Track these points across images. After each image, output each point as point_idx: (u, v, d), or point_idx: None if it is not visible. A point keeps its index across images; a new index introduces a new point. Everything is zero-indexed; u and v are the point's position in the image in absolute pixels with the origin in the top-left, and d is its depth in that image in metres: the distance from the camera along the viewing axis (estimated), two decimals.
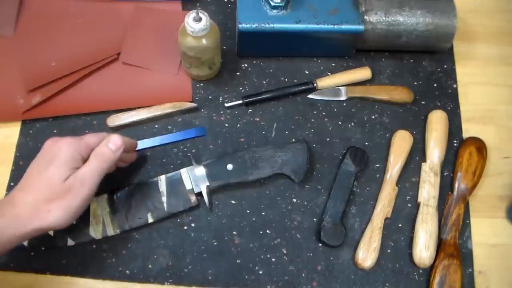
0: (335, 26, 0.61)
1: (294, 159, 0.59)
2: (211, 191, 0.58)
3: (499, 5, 0.73)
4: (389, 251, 0.58)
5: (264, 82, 0.66)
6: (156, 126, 0.62)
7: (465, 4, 0.71)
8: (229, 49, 0.67)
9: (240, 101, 0.63)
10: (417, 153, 0.63)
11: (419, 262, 0.57)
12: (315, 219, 0.59)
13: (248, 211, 0.59)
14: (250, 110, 0.64)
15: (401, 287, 0.57)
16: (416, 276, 0.57)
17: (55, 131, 0.61)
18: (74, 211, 0.47)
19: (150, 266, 0.56)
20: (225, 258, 0.57)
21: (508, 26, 0.72)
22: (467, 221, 0.60)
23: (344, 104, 0.65)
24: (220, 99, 0.64)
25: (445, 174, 0.62)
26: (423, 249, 0.56)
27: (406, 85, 0.66)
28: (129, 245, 0.56)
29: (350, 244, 0.58)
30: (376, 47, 0.66)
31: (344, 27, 0.61)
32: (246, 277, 0.56)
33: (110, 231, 0.55)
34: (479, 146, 0.62)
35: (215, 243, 0.57)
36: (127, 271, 0.55)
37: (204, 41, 0.56)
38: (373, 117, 0.65)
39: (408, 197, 0.61)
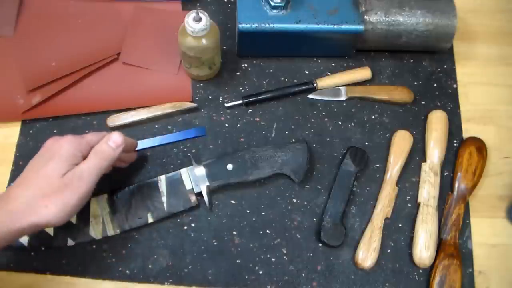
0: (335, 26, 0.61)
1: (294, 159, 0.59)
2: (211, 191, 0.58)
3: (499, 5, 0.73)
4: (389, 251, 0.58)
5: (264, 82, 0.66)
6: (156, 126, 0.62)
7: (465, 4, 0.71)
8: (229, 49, 0.67)
9: (240, 101, 0.63)
10: (417, 153, 0.63)
11: (419, 262, 0.57)
12: (315, 219, 0.59)
13: (248, 211, 0.59)
14: (250, 110, 0.64)
15: (401, 287, 0.57)
16: (416, 276, 0.57)
17: (55, 131, 0.61)
18: (71, 208, 0.46)
19: (150, 266, 0.56)
20: (225, 258, 0.57)
21: (508, 26, 0.72)
22: (467, 221, 0.60)
23: (344, 104, 0.65)
24: (220, 99, 0.64)
25: (445, 174, 0.62)
26: (423, 249, 0.56)
27: (406, 85, 0.66)
28: (129, 245, 0.56)
29: (350, 244, 0.58)
30: (376, 47, 0.66)
31: (344, 27, 0.61)
32: (246, 277, 0.56)
33: (110, 231, 0.55)
34: (479, 146, 0.62)
35: (215, 243, 0.57)
36: (127, 271, 0.55)
37: (204, 41, 0.56)
38: (373, 117, 0.65)
39: (408, 197, 0.61)
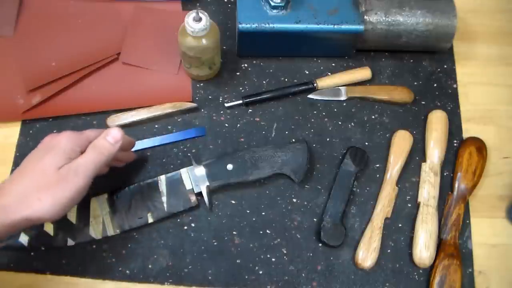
0: (335, 26, 0.61)
1: (294, 159, 0.59)
2: (211, 191, 0.58)
3: (499, 5, 0.73)
4: (389, 251, 0.58)
5: (264, 82, 0.66)
6: (156, 126, 0.62)
7: (465, 4, 0.71)
8: (229, 49, 0.67)
9: (240, 101, 0.63)
10: (417, 153, 0.63)
11: (419, 262, 0.57)
12: (315, 219, 0.59)
13: (248, 211, 0.59)
14: (250, 110, 0.64)
15: (401, 287, 0.57)
16: (416, 276, 0.57)
17: (55, 131, 0.61)
18: (66, 202, 0.45)
19: (150, 266, 0.56)
20: (225, 258, 0.57)
21: (508, 26, 0.72)
22: (467, 221, 0.60)
23: (344, 104, 0.65)
24: (220, 99, 0.64)
25: (445, 174, 0.62)
26: (423, 249, 0.56)
27: (406, 85, 0.66)
28: (129, 245, 0.56)
29: (350, 244, 0.58)
30: (376, 47, 0.66)
31: (344, 27, 0.61)
32: (246, 277, 0.56)
33: (110, 231, 0.55)
34: (479, 146, 0.62)
35: (215, 243, 0.57)
36: (127, 271, 0.55)
37: (204, 41, 0.56)
38: (373, 117, 0.65)
39: (408, 197, 0.61)
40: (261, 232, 0.58)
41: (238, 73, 0.66)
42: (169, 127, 0.62)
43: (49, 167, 0.45)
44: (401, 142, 0.62)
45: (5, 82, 0.62)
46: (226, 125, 0.63)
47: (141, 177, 0.60)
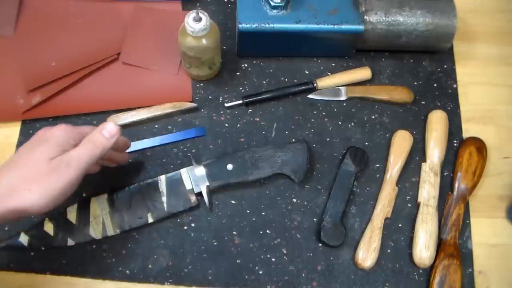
0: (335, 26, 0.61)
1: (294, 159, 0.59)
2: (211, 191, 0.58)
3: (499, 5, 0.73)
4: (389, 251, 0.58)
5: (264, 82, 0.66)
6: (156, 126, 0.62)
7: (465, 4, 0.71)
8: (229, 49, 0.67)
9: (240, 101, 0.63)
10: (417, 153, 0.63)
11: (419, 262, 0.57)
12: (315, 219, 0.59)
13: (248, 211, 0.59)
14: (250, 110, 0.64)
15: (401, 287, 0.57)
16: (416, 276, 0.57)
17: None
18: (56, 194, 0.44)
19: (150, 266, 0.56)
20: (225, 258, 0.57)
21: (508, 26, 0.72)
22: (467, 221, 0.60)
23: (344, 104, 0.65)
24: (220, 99, 0.64)
25: (445, 174, 0.62)
26: (423, 249, 0.56)
27: (406, 85, 0.66)
28: (129, 245, 0.56)
29: (350, 244, 0.58)
30: (376, 47, 0.66)
31: (344, 27, 0.61)
32: (246, 277, 0.56)
33: (110, 231, 0.55)
34: (479, 146, 0.62)
35: (215, 243, 0.57)
36: (127, 271, 0.55)
37: (204, 41, 0.56)
38: (373, 117, 0.65)
39: (408, 197, 0.61)
40: (261, 232, 0.58)
41: (238, 73, 0.66)
42: (169, 127, 0.62)
43: (41, 158, 0.44)
44: (401, 142, 0.62)
45: (5, 82, 0.62)
46: (226, 125, 0.63)
47: (141, 177, 0.60)
